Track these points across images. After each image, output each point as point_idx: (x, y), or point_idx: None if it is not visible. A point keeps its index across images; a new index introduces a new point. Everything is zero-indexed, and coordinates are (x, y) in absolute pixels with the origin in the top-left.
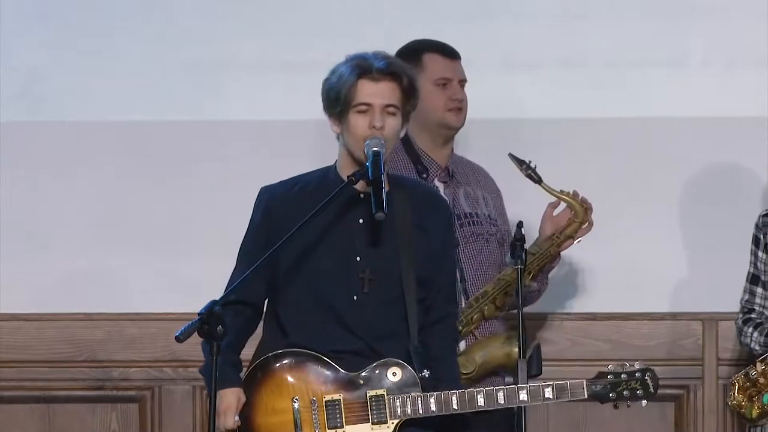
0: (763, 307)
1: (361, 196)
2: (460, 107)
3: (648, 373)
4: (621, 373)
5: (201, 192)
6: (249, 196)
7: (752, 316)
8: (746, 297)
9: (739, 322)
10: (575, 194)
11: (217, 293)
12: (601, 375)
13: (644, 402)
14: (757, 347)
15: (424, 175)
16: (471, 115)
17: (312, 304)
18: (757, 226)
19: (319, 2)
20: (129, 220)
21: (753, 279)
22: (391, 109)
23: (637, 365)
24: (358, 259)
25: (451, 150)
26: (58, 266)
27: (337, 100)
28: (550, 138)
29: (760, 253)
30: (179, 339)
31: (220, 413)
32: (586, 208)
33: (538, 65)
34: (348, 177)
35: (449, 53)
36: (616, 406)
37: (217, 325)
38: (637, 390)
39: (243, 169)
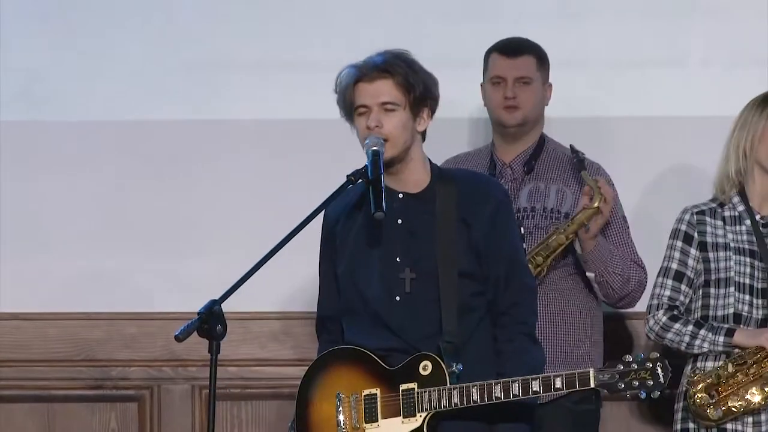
0: (682, 304)
1: (401, 195)
2: (512, 105)
3: (659, 363)
4: (631, 362)
5: (201, 191)
6: (249, 196)
7: (675, 312)
8: (668, 293)
9: (663, 317)
10: (597, 180)
11: (217, 292)
12: (611, 364)
13: (656, 393)
14: (706, 346)
15: (493, 173)
16: (471, 115)
17: (359, 308)
18: (689, 223)
19: (319, 2)
20: (129, 220)
21: (676, 275)
22: (389, 106)
23: (646, 354)
24: (398, 259)
25: (528, 145)
26: (58, 266)
27: (343, 106)
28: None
29: (692, 251)
30: (179, 338)
31: None
32: (602, 195)
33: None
34: (347, 176)
35: (507, 51)
36: (627, 397)
37: (217, 324)
38: (647, 380)
39: (243, 169)
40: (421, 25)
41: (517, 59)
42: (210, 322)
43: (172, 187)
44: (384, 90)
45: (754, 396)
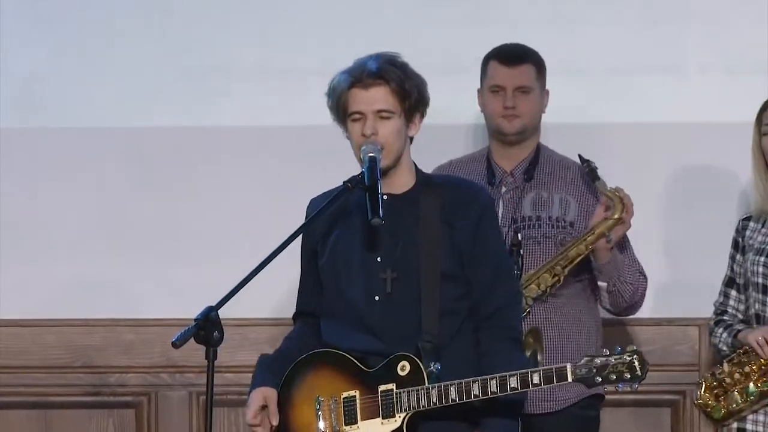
0: (736, 309)
1: (384, 197)
2: (511, 114)
3: (635, 356)
4: (608, 357)
5: (199, 198)
6: (247, 202)
7: (724, 318)
8: (720, 299)
9: (712, 323)
10: (618, 190)
11: (214, 299)
12: (588, 359)
13: (634, 386)
14: (724, 348)
15: (492, 181)
16: (470, 121)
17: (339, 308)
18: (737, 229)
19: (318, 9)
20: (127, 226)
21: (728, 282)
22: (384, 114)
23: (624, 347)
24: (378, 259)
25: (528, 153)
26: (56, 272)
27: (337, 110)
28: (548, 143)
29: (738, 256)
30: (176, 345)
31: (247, 406)
32: (625, 205)
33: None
34: (344, 182)
35: (507, 60)
36: (605, 391)
37: (214, 330)
38: (624, 373)
39: (241, 175)
40: (419, 32)
41: (517, 68)
42: (207, 328)
43: (170, 193)
44: (379, 97)
45: (754, 391)
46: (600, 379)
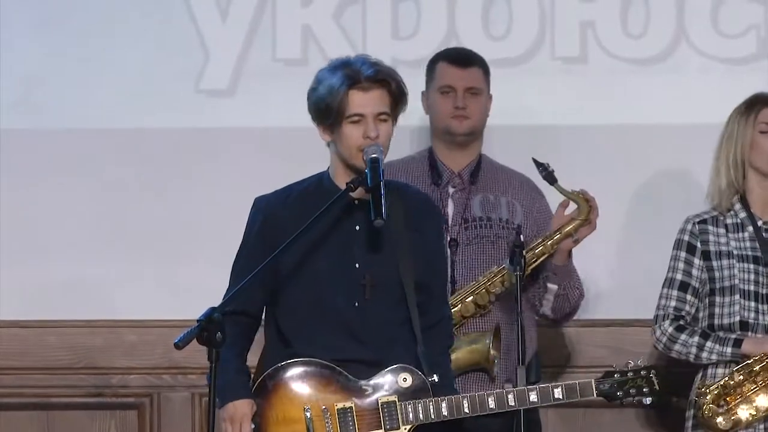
0: (689, 314)
1: (356, 202)
2: (462, 114)
3: (653, 371)
4: (627, 372)
5: (200, 199)
6: (248, 203)
7: (681, 323)
8: (673, 303)
9: (669, 328)
10: (583, 192)
11: (216, 300)
12: (608, 374)
13: (649, 400)
14: (714, 357)
15: (438, 182)
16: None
17: (313, 313)
18: (691, 233)
19: (319, 9)
20: (128, 227)
21: (681, 285)
22: (383, 116)
23: (641, 362)
24: (357, 266)
25: (474, 156)
26: (57, 273)
27: (329, 112)
28: (545, 144)
29: (696, 260)
30: (178, 346)
31: (236, 422)
32: (591, 207)
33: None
34: (347, 184)
35: (458, 61)
36: (623, 405)
37: (216, 331)
38: (644, 388)
39: (242, 176)
40: (421, 31)
41: (468, 70)
42: (209, 329)
43: (171, 194)
44: (380, 100)
45: (764, 403)
46: (621, 394)
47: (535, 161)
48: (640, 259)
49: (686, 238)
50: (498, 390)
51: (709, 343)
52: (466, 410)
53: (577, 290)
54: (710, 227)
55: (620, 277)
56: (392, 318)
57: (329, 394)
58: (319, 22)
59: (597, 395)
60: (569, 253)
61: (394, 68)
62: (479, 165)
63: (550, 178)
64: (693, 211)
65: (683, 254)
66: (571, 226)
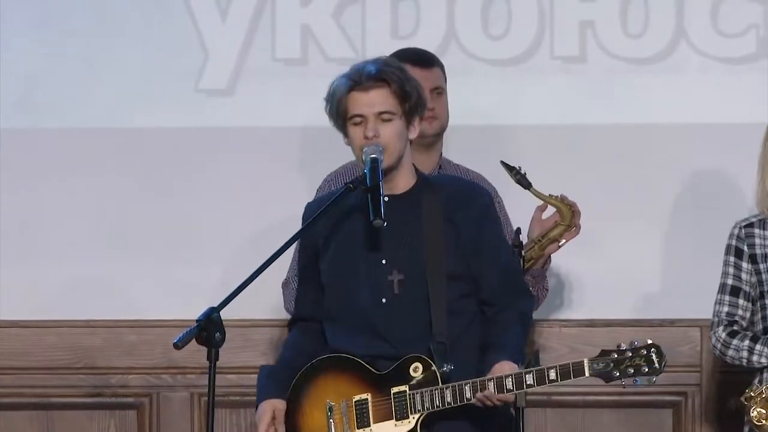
0: (744, 318)
1: (386, 199)
2: (431, 115)
3: (653, 349)
4: (625, 350)
5: (200, 199)
6: (248, 203)
7: (735, 328)
8: (726, 309)
9: (722, 334)
10: (563, 198)
11: (216, 300)
12: (604, 353)
13: (652, 379)
14: (764, 360)
15: None
16: (467, 122)
17: (344, 311)
18: (738, 237)
19: (318, 8)
20: (128, 227)
21: (733, 290)
22: (385, 116)
23: (641, 341)
24: (384, 262)
25: (438, 156)
26: (57, 273)
27: (336, 115)
28: (543, 144)
29: (744, 264)
30: (178, 346)
31: (259, 421)
32: (574, 211)
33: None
34: (346, 184)
35: (421, 62)
36: (623, 386)
37: (215, 331)
38: (642, 367)
39: (241, 176)
40: (420, 29)
41: (431, 70)
42: (209, 329)
43: (171, 194)
44: (380, 99)
45: None
46: (618, 373)
47: (504, 165)
48: (641, 259)
49: (734, 242)
50: (497, 375)
51: (758, 346)
52: (468, 396)
53: (546, 291)
54: (757, 230)
55: (620, 276)
56: (423, 312)
57: (351, 387)
58: (319, 22)
59: (591, 374)
60: (549, 258)
61: (401, 66)
62: (440, 167)
63: (523, 181)
64: (692, 209)
65: (732, 259)
66: (556, 231)
